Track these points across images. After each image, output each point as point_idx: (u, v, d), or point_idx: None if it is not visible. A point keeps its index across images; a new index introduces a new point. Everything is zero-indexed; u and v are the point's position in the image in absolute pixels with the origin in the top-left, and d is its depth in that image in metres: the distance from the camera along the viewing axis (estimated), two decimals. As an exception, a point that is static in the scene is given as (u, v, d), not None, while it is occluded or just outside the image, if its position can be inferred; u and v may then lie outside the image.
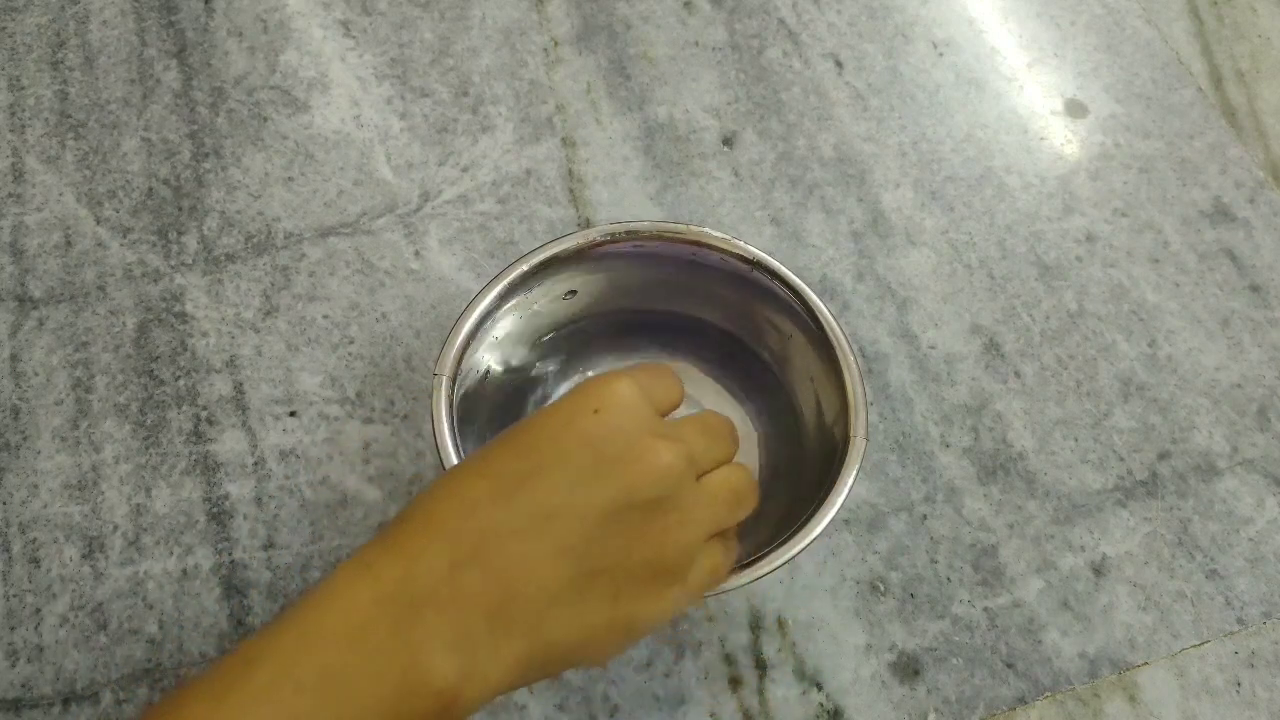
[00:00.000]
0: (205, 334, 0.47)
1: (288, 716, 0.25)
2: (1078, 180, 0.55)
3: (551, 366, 0.44)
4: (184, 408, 0.46)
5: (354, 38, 0.56)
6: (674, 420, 0.32)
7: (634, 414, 0.30)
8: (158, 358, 0.47)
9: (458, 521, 0.28)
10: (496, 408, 0.42)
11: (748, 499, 0.33)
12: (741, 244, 0.41)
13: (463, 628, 0.27)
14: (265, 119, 0.53)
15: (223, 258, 0.49)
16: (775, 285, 0.41)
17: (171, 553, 0.43)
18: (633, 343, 0.46)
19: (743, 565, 0.35)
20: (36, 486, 0.44)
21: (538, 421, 0.30)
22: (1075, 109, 0.58)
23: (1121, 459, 0.47)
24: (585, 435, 0.29)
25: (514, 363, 0.43)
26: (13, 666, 0.40)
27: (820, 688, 0.42)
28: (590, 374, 0.45)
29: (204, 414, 0.46)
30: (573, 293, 0.43)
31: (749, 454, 0.44)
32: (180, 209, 0.51)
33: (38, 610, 0.41)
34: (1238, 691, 0.43)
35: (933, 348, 0.49)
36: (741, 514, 0.33)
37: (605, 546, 0.28)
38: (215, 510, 0.44)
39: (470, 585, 0.27)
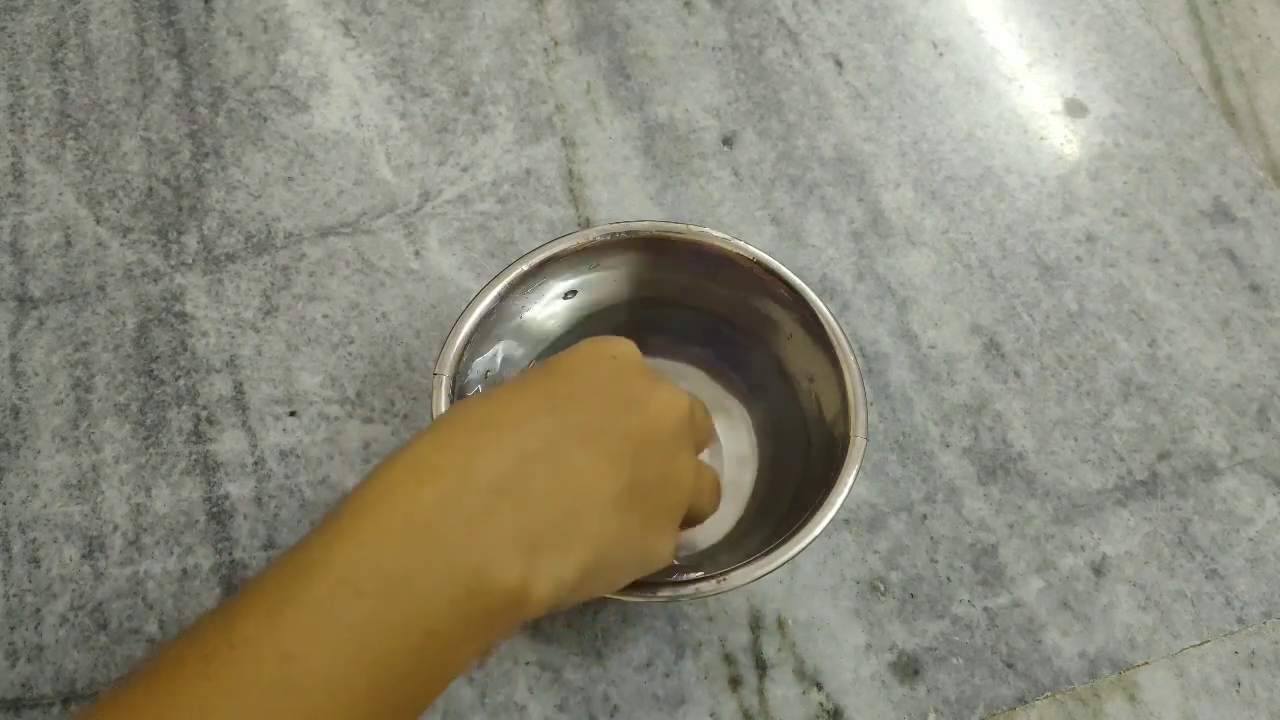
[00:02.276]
0: (205, 334, 0.47)
1: (351, 625, 0.24)
2: (1078, 180, 0.55)
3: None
4: (184, 407, 0.46)
5: (354, 37, 0.56)
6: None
7: (642, 365, 0.33)
8: (158, 358, 0.47)
9: (517, 424, 0.28)
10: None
11: (716, 497, 0.36)
12: (742, 244, 0.41)
13: (531, 526, 0.26)
14: (265, 119, 0.53)
15: (223, 257, 0.49)
16: (775, 285, 0.41)
17: (171, 553, 0.43)
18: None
19: (743, 565, 0.35)
20: (36, 486, 0.44)
21: (565, 360, 0.32)
22: (1075, 109, 0.58)
23: (1121, 459, 0.47)
24: (612, 372, 0.31)
25: (513, 363, 0.43)
26: (13, 666, 0.40)
27: (820, 688, 0.42)
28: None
29: (204, 414, 0.46)
30: (573, 293, 0.43)
31: (749, 454, 0.44)
32: (180, 209, 0.51)
33: (38, 610, 0.41)
34: (1238, 691, 0.43)
35: (933, 348, 0.49)
36: (707, 506, 0.35)
37: (645, 469, 0.30)
38: (215, 510, 0.44)
39: (539, 484, 0.27)
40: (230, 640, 0.23)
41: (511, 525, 0.26)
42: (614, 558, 0.29)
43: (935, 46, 0.59)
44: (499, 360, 0.42)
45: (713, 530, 0.42)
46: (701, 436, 0.34)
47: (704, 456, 0.39)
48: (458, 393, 0.38)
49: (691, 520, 0.34)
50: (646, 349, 0.45)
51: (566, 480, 0.28)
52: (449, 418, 0.29)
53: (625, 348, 0.33)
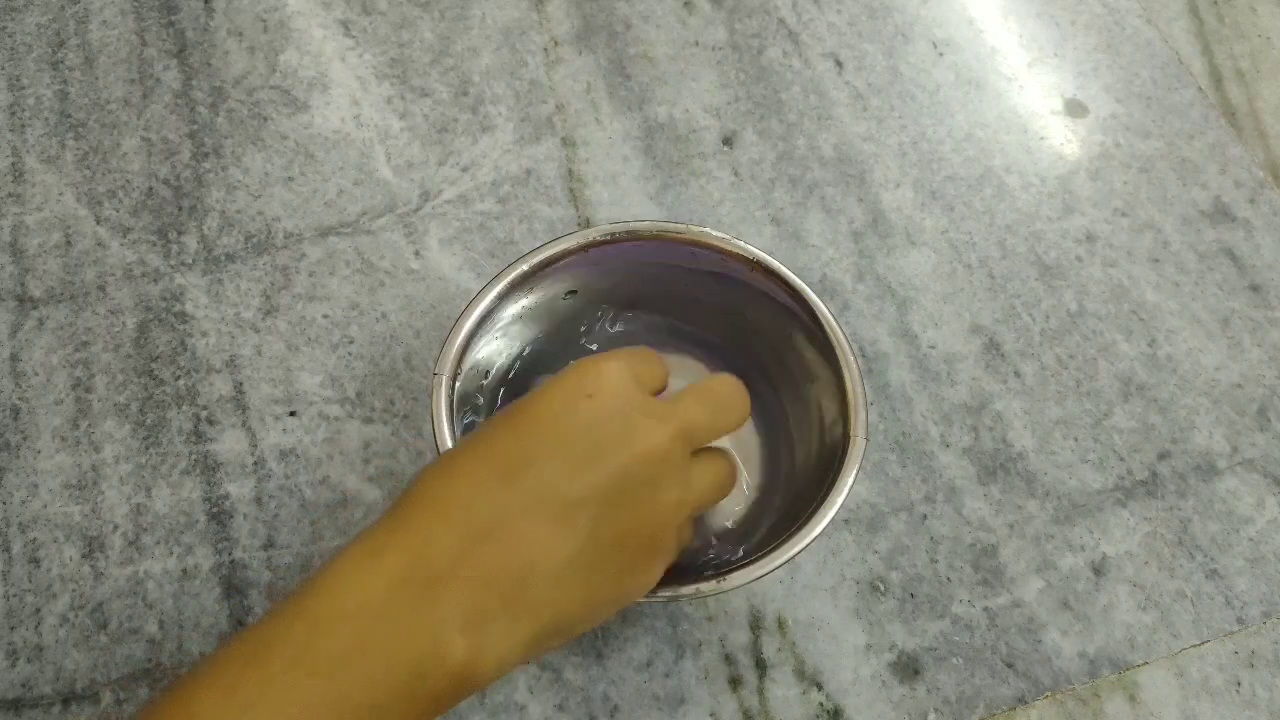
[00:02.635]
0: (205, 334, 0.47)
1: (302, 703, 0.25)
2: (1078, 180, 0.55)
3: (550, 367, 0.44)
4: (184, 407, 0.46)
5: (354, 37, 0.56)
6: (670, 395, 0.33)
7: (626, 396, 0.31)
8: (158, 357, 0.47)
9: (466, 502, 0.29)
10: (496, 408, 0.42)
11: (725, 486, 0.35)
12: (741, 244, 0.41)
13: (477, 606, 0.27)
14: (265, 119, 0.53)
15: (223, 257, 0.49)
16: (775, 285, 0.41)
17: (171, 553, 0.43)
18: (633, 342, 0.46)
19: (743, 565, 0.35)
20: (36, 486, 0.44)
21: (534, 406, 0.31)
22: (1075, 109, 0.58)
23: (1121, 459, 0.47)
24: (582, 420, 0.30)
25: (513, 363, 0.43)
26: (13, 666, 0.40)
27: (820, 688, 0.42)
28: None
29: (204, 414, 0.46)
30: (573, 292, 0.43)
31: (749, 454, 0.44)
32: (180, 209, 0.51)
33: (38, 610, 0.41)
34: (1238, 691, 0.43)
35: (933, 347, 0.49)
36: (722, 495, 0.35)
37: (609, 524, 0.29)
38: (215, 510, 0.44)
39: (486, 563, 0.28)
40: (189, 713, 0.25)
41: (457, 606, 0.27)
42: (573, 615, 0.30)
43: (935, 46, 0.59)
44: (498, 361, 0.42)
45: (711, 530, 0.42)
46: (717, 427, 0.33)
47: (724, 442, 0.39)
48: (458, 395, 0.38)
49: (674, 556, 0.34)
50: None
51: (514, 554, 0.28)
52: (408, 495, 0.30)
53: (611, 379, 0.31)
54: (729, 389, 0.34)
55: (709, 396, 0.33)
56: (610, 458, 0.30)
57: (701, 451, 0.33)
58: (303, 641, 0.26)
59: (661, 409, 0.31)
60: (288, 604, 0.27)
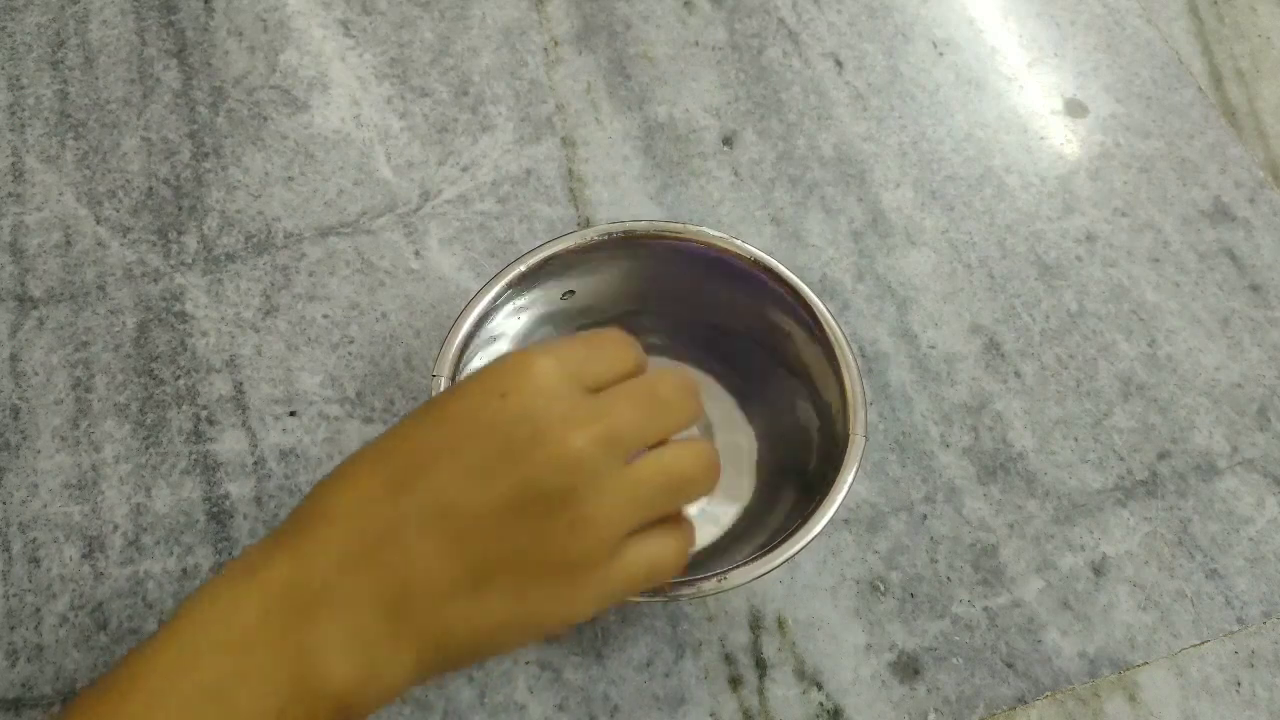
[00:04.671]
0: (205, 334, 0.47)
1: None
2: (1078, 180, 0.55)
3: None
4: (184, 407, 0.46)
5: (354, 37, 0.56)
6: (603, 395, 0.29)
7: (546, 396, 0.27)
8: (158, 357, 0.47)
9: (349, 519, 0.27)
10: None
11: (692, 480, 0.29)
12: (740, 243, 0.41)
13: (358, 627, 0.26)
14: (265, 119, 0.53)
15: (223, 257, 0.49)
16: (774, 285, 0.41)
17: (171, 552, 0.43)
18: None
19: (743, 564, 0.35)
20: (36, 486, 0.44)
21: (442, 406, 0.28)
22: (1075, 109, 0.58)
23: (1121, 459, 0.47)
24: (488, 422, 0.27)
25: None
26: (13, 666, 0.40)
27: (820, 687, 0.42)
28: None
29: (204, 414, 0.46)
30: (571, 292, 0.43)
31: (749, 453, 0.44)
32: (180, 209, 0.51)
33: (38, 610, 0.41)
34: (1238, 691, 0.43)
35: (933, 347, 0.49)
36: (683, 497, 0.30)
37: (506, 540, 0.26)
38: (215, 510, 0.44)
39: (365, 583, 0.26)
40: None
41: (337, 627, 0.25)
42: (466, 640, 0.27)
43: (935, 46, 0.59)
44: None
45: (711, 530, 0.42)
46: (652, 430, 0.29)
47: (694, 432, 0.35)
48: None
49: (636, 578, 0.29)
50: (645, 350, 0.46)
51: (398, 572, 0.26)
52: (296, 510, 0.28)
53: (533, 376, 0.28)
54: (670, 386, 0.30)
55: (644, 395, 0.29)
56: (513, 465, 0.26)
57: (662, 448, 0.29)
58: (171, 672, 0.25)
59: (584, 410, 0.27)
60: (167, 627, 0.25)
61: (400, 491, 0.27)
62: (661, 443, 0.29)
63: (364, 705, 0.26)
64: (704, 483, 0.30)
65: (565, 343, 0.29)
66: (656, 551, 0.29)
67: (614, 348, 0.31)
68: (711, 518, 0.42)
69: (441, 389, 0.37)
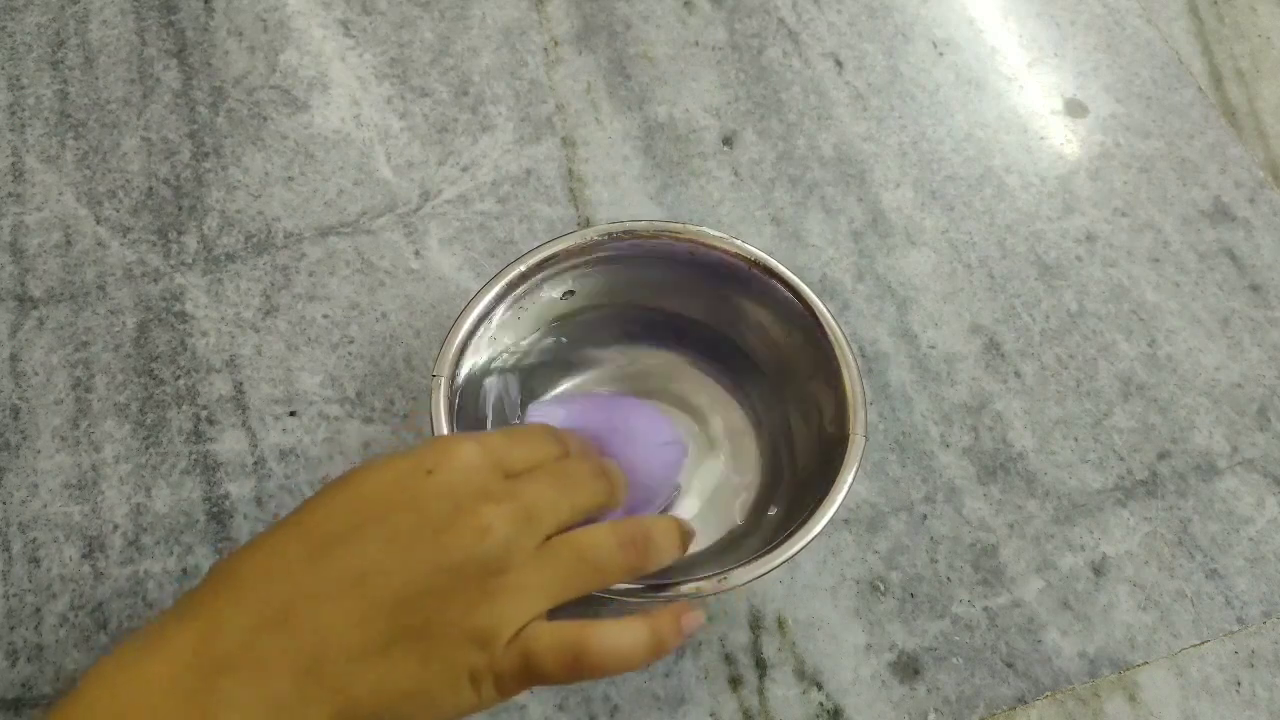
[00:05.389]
0: (205, 333, 0.47)
1: None
2: (1078, 180, 0.55)
3: (548, 367, 0.44)
4: (184, 407, 0.46)
5: (354, 37, 0.56)
6: (520, 477, 0.30)
7: (468, 475, 0.29)
8: (158, 357, 0.47)
9: (265, 584, 0.27)
10: (494, 407, 0.42)
11: (606, 558, 0.30)
12: (740, 243, 0.41)
13: (267, 690, 0.26)
14: (265, 119, 0.53)
15: (223, 257, 0.49)
16: (774, 284, 0.41)
17: (171, 552, 0.43)
18: (630, 342, 0.46)
19: (743, 564, 0.35)
20: (36, 486, 0.44)
21: (361, 480, 0.29)
22: (1075, 109, 0.58)
23: (1121, 459, 0.47)
24: (411, 496, 0.28)
25: (512, 363, 0.43)
26: (13, 666, 0.40)
27: (820, 687, 0.42)
28: (589, 372, 0.45)
29: (204, 414, 0.46)
30: (571, 293, 0.43)
31: (749, 454, 0.44)
32: (180, 209, 0.51)
33: (38, 610, 0.41)
34: (1238, 691, 0.43)
35: (933, 347, 0.49)
36: (599, 575, 0.30)
37: (418, 608, 0.27)
38: (215, 510, 0.44)
39: (275, 649, 0.26)
40: None
41: (241, 694, 0.26)
42: (380, 704, 0.27)
43: (935, 46, 0.59)
44: (497, 361, 0.42)
45: (711, 531, 0.42)
46: (565, 506, 0.31)
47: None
48: (457, 393, 0.38)
49: (521, 664, 0.29)
50: (643, 349, 0.46)
51: (308, 637, 0.26)
52: (205, 578, 0.28)
53: (458, 457, 0.29)
54: (583, 469, 0.32)
55: (557, 476, 0.31)
56: (431, 538, 0.28)
57: (583, 528, 0.31)
58: None
59: (501, 489, 0.29)
60: (71, 697, 0.25)
61: (318, 559, 0.27)
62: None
63: None
64: (620, 560, 0.31)
65: (488, 434, 0.32)
66: (552, 639, 0.29)
67: (533, 438, 0.33)
68: (711, 518, 0.42)
69: (441, 389, 0.37)
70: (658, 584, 0.35)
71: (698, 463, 0.43)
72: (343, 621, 0.27)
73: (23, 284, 0.48)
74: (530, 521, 0.29)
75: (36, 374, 0.46)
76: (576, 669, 0.29)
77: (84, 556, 0.42)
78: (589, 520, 0.32)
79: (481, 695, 0.28)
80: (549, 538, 0.30)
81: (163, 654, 0.26)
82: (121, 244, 0.49)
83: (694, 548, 0.40)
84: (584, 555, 0.30)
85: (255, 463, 0.45)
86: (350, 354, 0.47)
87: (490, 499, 0.29)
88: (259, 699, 0.26)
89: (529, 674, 0.29)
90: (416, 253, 0.50)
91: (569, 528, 0.31)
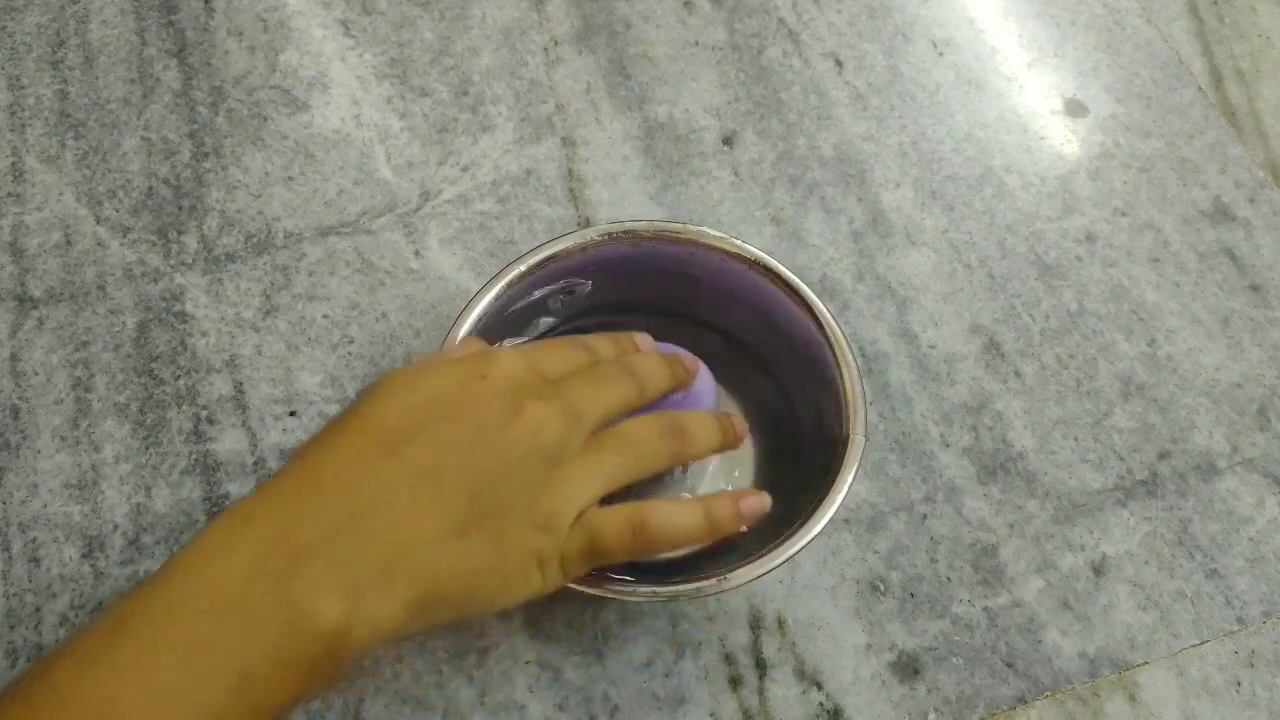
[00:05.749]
0: (205, 333, 0.47)
1: (158, 685, 0.25)
2: (1078, 180, 0.55)
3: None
4: (184, 407, 0.46)
5: (354, 37, 0.56)
6: (562, 380, 0.33)
7: (518, 379, 0.32)
8: (158, 357, 0.47)
9: (345, 477, 0.29)
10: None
11: (651, 448, 0.34)
12: (739, 243, 0.41)
13: (352, 571, 0.27)
14: (265, 118, 0.53)
15: (223, 257, 0.49)
16: (774, 284, 0.41)
17: (171, 552, 0.43)
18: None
19: (742, 564, 0.35)
20: (36, 486, 0.44)
21: (425, 380, 0.31)
22: (1075, 109, 0.58)
23: (1121, 459, 0.47)
24: (471, 397, 0.31)
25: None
26: (13, 666, 0.40)
27: (820, 687, 0.42)
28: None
29: (204, 414, 0.46)
30: (571, 292, 0.43)
31: (748, 453, 0.44)
32: (180, 208, 0.51)
33: (38, 610, 0.41)
34: (1238, 691, 0.43)
35: (933, 347, 0.49)
36: (645, 463, 0.34)
37: (488, 495, 0.30)
38: (215, 510, 0.44)
39: (359, 540, 0.28)
40: (49, 683, 0.25)
41: (329, 571, 0.27)
42: (452, 590, 0.29)
43: (935, 46, 0.59)
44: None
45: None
46: (602, 402, 0.33)
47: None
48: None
49: (582, 544, 0.32)
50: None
51: (389, 526, 0.28)
52: (285, 468, 0.30)
53: (505, 364, 0.32)
54: (613, 371, 0.35)
55: (592, 376, 0.34)
56: (493, 434, 0.30)
57: (625, 421, 0.34)
58: (161, 624, 0.26)
59: (549, 389, 0.32)
60: (158, 577, 0.27)
61: (392, 455, 0.29)
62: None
63: (355, 644, 0.27)
64: (661, 446, 0.34)
65: (523, 347, 0.35)
66: (606, 524, 0.32)
67: (563, 349, 0.36)
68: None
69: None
70: (658, 584, 0.35)
71: (697, 462, 0.43)
72: (421, 512, 0.29)
73: (23, 284, 0.48)
74: (578, 417, 0.32)
75: (36, 374, 0.46)
76: (638, 543, 0.32)
77: (84, 556, 0.42)
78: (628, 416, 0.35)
79: (547, 577, 0.31)
80: (594, 432, 0.33)
81: (246, 540, 0.27)
82: (121, 244, 0.49)
83: (692, 547, 0.40)
84: (629, 443, 0.33)
85: (255, 463, 0.45)
86: (350, 354, 0.47)
87: (541, 398, 0.32)
88: (341, 578, 0.27)
89: (593, 551, 0.32)
90: (416, 253, 0.50)
91: (610, 423, 0.34)
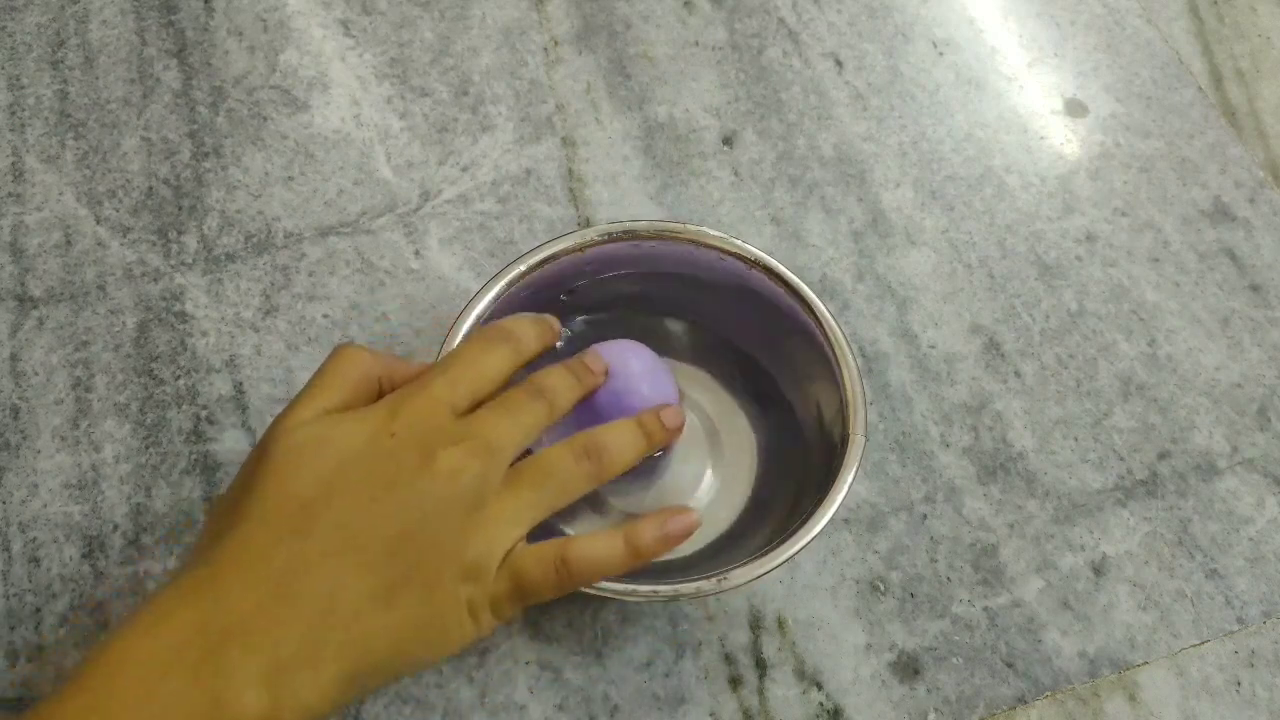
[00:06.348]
0: (205, 333, 0.47)
1: None
2: (1078, 180, 0.55)
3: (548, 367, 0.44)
4: (184, 407, 0.46)
5: (354, 37, 0.56)
6: (473, 414, 0.32)
7: (426, 424, 0.31)
8: (158, 357, 0.47)
9: (261, 556, 0.28)
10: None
11: (570, 474, 0.33)
12: (739, 243, 0.41)
13: (277, 656, 0.27)
14: (265, 118, 0.53)
15: (223, 257, 0.49)
16: (774, 284, 0.41)
17: (171, 552, 0.43)
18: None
19: (742, 564, 0.35)
20: (36, 486, 0.44)
21: (331, 443, 0.30)
22: (1075, 109, 0.58)
23: (1121, 459, 0.47)
24: (382, 453, 0.30)
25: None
26: (13, 666, 0.40)
27: (820, 687, 0.42)
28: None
29: (204, 413, 0.46)
30: (571, 292, 0.43)
31: (748, 453, 0.44)
32: (180, 208, 0.51)
33: (38, 610, 0.41)
34: (1238, 691, 0.43)
35: (933, 347, 0.49)
36: (565, 491, 0.33)
37: (410, 553, 0.29)
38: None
39: (280, 616, 0.27)
40: None
41: (252, 659, 0.26)
42: (384, 656, 0.29)
43: (935, 46, 0.59)
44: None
45: (710, 530, 0.42)
46: (520, 431, 0.32)
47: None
48: None
49: (516, 586, 0.31)
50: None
51: (311, 601, 0.28)
52: (200, 552, 0.29)
53: (415, 411, 0.31)
54: (519, 395, 0.34)
55: (502, 405, 0.33)
56: (409, 486, 0.29)
57: (546, 448, 0.33)
58: (78, 714, 0.25)
59: (459, 430, 0.31)
60: (72, 680, 0.26)
61: (303, 528, 0.29)
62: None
63: None
64: (579, 471, 0.33)
65: (432, 375, 0.33)
66: (531, 559, 0.31)
67: (478, 358, 0.34)
68: (711, 518, 0.42)
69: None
70: (658, 584, 0.35)
71: (697, 462, 0.43)
72: (341, 582, 0.28)
73: (23, 284, 0.48)
74: (493, 453, 0.31)
75: (36, 374, 0.46)
76: (561, 579, 0.31)
77: (84, 556, 0.42)
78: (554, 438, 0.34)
79: (480, 623, 0.31)
80: (512, 463, 0.32)
81: (165, 631, 0.27)
82: (121, 244, 0.49)
83: (692, 547, 0.40)
84: (546, 474, 0.32)
85: (255, 463, 0.45)
86: (350, 354, 0.47)
87: (453, 441, 0.31)
88: (268, 664, 0.26)
89: (521, 593, 0.31)
90: (416, 253, 0.50)
91: (526, 451, 0.33)
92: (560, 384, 0.35)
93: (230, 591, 0.27)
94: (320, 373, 0.33)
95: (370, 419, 0.31)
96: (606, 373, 0.37)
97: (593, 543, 0.33)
